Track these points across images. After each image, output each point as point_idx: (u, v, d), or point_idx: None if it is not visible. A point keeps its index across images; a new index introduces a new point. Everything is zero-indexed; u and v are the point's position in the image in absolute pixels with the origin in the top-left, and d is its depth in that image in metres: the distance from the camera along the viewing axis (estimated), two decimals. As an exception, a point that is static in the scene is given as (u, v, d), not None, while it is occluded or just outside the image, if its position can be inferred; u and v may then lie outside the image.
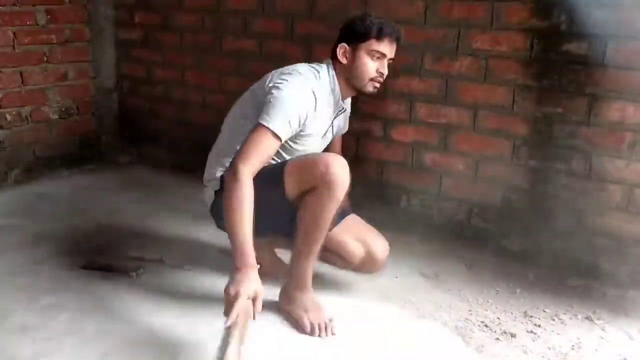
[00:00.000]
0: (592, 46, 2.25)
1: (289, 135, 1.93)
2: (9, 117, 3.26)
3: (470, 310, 2.16)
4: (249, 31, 3.14)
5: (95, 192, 3.23)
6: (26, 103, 3.33)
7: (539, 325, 2.07)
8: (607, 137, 2.29)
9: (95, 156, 3.72)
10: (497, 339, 1.99)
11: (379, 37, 2.01)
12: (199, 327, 1.99)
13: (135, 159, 3.76)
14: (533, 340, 1.98)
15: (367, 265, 2.17)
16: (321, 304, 2.04)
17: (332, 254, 2.15)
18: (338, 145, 2.32)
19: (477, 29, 2.48)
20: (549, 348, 1.94)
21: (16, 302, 2.11)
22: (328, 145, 2.20)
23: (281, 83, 1.95)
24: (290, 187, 1.91)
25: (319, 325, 1.96)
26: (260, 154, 1.86)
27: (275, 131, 1.87)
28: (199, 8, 3.30)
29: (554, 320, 2.11)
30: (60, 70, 3.47)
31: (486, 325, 2.06)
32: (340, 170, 1.87)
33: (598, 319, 2.12)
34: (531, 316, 2.12)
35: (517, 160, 2.50)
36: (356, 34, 2.03)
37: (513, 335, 2.00)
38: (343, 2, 2.79)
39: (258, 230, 1.81)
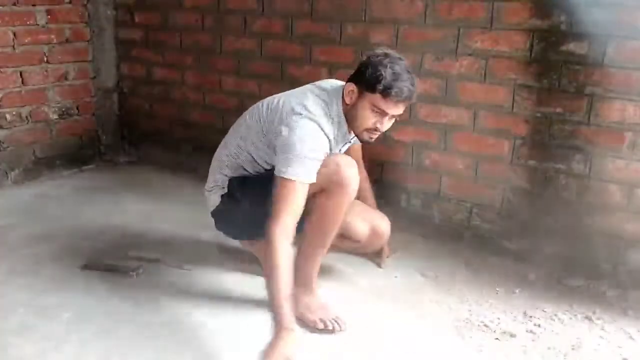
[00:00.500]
0: (592, 46, 2.25)
1: (315, 176, 1.87)
2: (9, 117, 3.26)
3: (470, 310, 2.16)
4: (249, 31, 3.14)
5: (95, 192, 3.23)
6: (26, 103, 3.33)
7: (539, 325, 2.07)
8: (607, 137, 2.29)
9: (95, 156, 3.72)
10: (497, 338, 1.99)
11: (385, 96, 1.86)
12: (199, 327, 1.99)
13: (135, 159, 3.76)
14: (533, 340, 1.98)
15: (373, 241, 2.23)
16: (326, 303, 2.05)
17: (339, 238, 2.08)
18: (358, 153, 2.30)
19: (477, 29, 2.48)
20: (549, 348, 1.94)
21: (16, 302, 2.11)
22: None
23: (294, 129, 1.87)
24: None
25: (329, 322, 1.97)
26: (292, 207, 1.80)
27: (301, 180, 1.82)
28: (199, 8, 3.30)
29: (553, 320, 2.11)
30: (60, 70, 3.47)
31: (486, 325, 2.06)
32: (350, 170, 1.88)
33: (598, 319, 2.12)
34: (531, 316, 2.12)
35: (517, 160, 2.50)
36: (365, 80, 1.89)
37: (513, 335, 2.00)
38: (343, 2, 2.79)
39: (260, 234, 1.82)
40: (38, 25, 3.30)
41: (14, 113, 3.28)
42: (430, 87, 2.64)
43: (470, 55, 2.52)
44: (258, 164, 2.06)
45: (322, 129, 1.90)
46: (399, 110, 1.91)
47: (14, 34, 3.20)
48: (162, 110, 3.63)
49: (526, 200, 2.51)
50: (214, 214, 2.20)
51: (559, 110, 2.37)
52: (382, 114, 1.91)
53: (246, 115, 2.13)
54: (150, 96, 3.65)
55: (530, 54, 2.39)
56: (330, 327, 1.97)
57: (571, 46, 2.29)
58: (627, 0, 2.15)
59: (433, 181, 2.72)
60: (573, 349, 1.94)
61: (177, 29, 3.42)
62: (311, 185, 1.86)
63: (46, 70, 3.39)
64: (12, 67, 3.23)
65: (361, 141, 2.05)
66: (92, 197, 3.16)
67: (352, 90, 1.93)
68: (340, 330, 1.98)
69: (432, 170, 2.71)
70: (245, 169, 2.09)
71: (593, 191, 2.34)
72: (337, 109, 1.97)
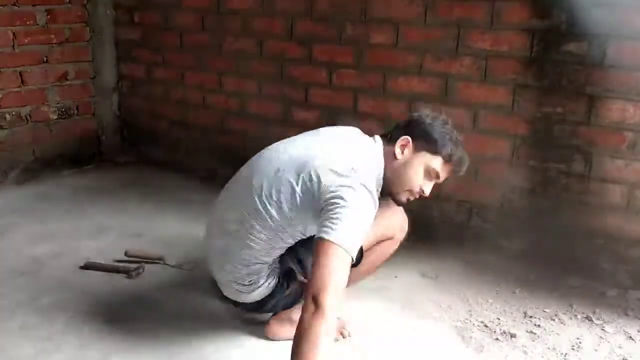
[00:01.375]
0: (592, 46, 2.25)
1: None
2: (8, 117, 3.26)
3: (470, 311, 2.16)
4: (248, 31, 3.14)
5: (95, 192, 3.23)
6: (26, 103, 3.33)
7: (539, 325, 2.07)
8: (607, 137, 2.29)
9: (95, 156, 3.72)
10: (497, 339, 1.99)
11: (448, 160, 1.78)
12: (199, 327, 1.99)
13: (135, 159, 3.76)
14: (533, 340, 1.98)
15: (403, 229, 2.00)
16: None
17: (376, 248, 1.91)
18: None
19: (477, 29, 2.48)
20: (549, 348, 1.94)
21: (16, 302, 2.11)
22: None
23: (353, 199, 1.60)
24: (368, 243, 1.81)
25: (339, 332, 1.94)
26: (344, 282, 1.55)
27: (352, 257, 1.57)
28: (199, 8, 3.30)
29: (553, 320, 2.11)
30: (60, 70, 3.47)
31: (486, 325, 2.06)
32: (406, 223, 1.96)
33: (598, 319, 2.12)
34: (531, 316, 2.12)
35: (517, 160, 2.50)
36: (429, 139, 1.75)
37: (513, 335, 2.00)
38: (343, 2, 2.79)
39: None
40: (38, 25, 3.30)
41: (13, 113, 3.28)
42: (430, 87, 2.63)
43: (470, 55, 2.51)
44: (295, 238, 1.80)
45: (374, 197, 1.67)
46: (445, 177, 1.83)
47: (14, 34, 3.20)
48: (162, 110, 3.63)
49: (526, 200, 2.51)
50: (257, 305, 1.87)
51: (559, 110, 2.37)
52: (435, 177, 1.80)
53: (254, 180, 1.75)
54: (150, 96, 3.65)
55: (530, 54, 2.38)
56: (341, 337, 1.95)
57: (571, 46, 2.29)
58: (627, 0, 2.15)
59: (433, 181, 2.71)
60: (573, 349, 1.94)
61: (177, 29, 3.42)
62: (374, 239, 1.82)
63: (46, 70, 3.39)
64: (12, 67, 3.23)
65: (395, 201, 1.85)
66: (92, 197, 3.16)
67: (407, 145, 1.77)
68: (349, 336, 1.96)
69: (432, 170, 2.71)
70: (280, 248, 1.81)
71: (593, 191, 2.34)
72: (382, 173, 1.77)
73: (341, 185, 1.61)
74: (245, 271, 1.79)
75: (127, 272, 2.31)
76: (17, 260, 2.41)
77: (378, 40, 2.72)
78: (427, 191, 1.81)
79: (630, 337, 2.02)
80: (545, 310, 2.17)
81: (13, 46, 3.21)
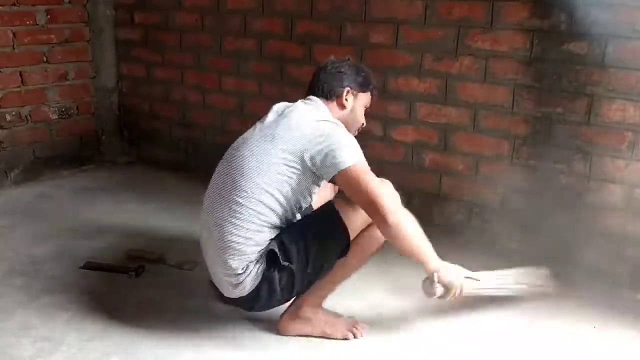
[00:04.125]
0: (592, 46, 2.25)
1: None
2: (8, 117, 3.26)
3: (470, 310, 2.15)
4: (248, 31, 3.14)
5: (95, 192, 3.23)
6: (26, 103, 3.33)
7: (539, 325, 2.07)
8: (607, 137, 2.29)
9: (95, 156, 3.72)
10: (497, 338, 1.99)
11: (373, 93, 2.07)
12: (199, 327, 1.99)
13: (135, 159, 3.76)
14: (533, 340, 1.98)
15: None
16: (337, 313, 2.02)
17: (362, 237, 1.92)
18: None
19: (477, 29, 2.48)
20: (549, 348, 1.94)
21: (16, 302, 2.11)
22: None
23: (334, 130, 1.82)
24: (354, 232, 1.84)
25: (350, 331, 1.95)
26: (379, 183, 1.75)
27: (364, 163, 1.79)
28: (199, 8, 3.30)
29: (554, 320, 2.11)
30: (60, 70, 3.47)
31: (485, 325, 2.06)
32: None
33: (598, 319, 2.12)
34: (532, 316, 2.12)
35: (517, 160, 2.50)
36: (361, 83, 2.00)
37: (513, 335, 2.00)
38: (343, 2, 2.79)
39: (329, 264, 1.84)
40: (38, 25, 3.30)
41: (13, 113, 3.28)
42: (430, 87, 2.64)
43: (470, 55, 2.52)
44: (301, 205, 1.88)
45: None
46: None
47: (14, 34, 3.20)
48: (162, 110, 3.63)
49: (526, 200, 2.51)
50: (252, 297, 1.86)
51: (559, 110, 2.37)
52: (367, 109, 2.08)
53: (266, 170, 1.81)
54: (150, 96, 3.65)
55: (530, 54, 2.39)
56: (359, 335, 1.96)
57: (571, 46, 2.29)
58: (627, 0, 2.15)
59: (433, 181, 2.72)
60: (572, 350, 1.94)
61: (177, 29, 3.42)
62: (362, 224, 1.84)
63: (46, 70, 3.39)
64: (12, 67, 3.23)
65: None
66: (92, 197, 3.16)
67: (350, 93, 1.98)
68: (362, 335, 1.97)
69: (432, 170, 2.71)
70: (283, 221, 1.85)
71: (593, 191, 2.34)
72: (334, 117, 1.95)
73: (319, 135, 1.79)
74: (237, 260, 1.79)
75: (127, 272, 2.30)
76: (17, 260, 2.41)
77: (378, 40, 2.72)
78: (365, 122, 2.09)
79: (631, 337, 2.02)
80: (545, 310, 2.16)
81: (13, 46, 3.21)
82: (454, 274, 1.88)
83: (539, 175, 2.46)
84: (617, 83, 2.23)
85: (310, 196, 1.89)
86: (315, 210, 1.95)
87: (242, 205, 1.78)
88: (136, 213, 2.94)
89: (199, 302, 2.14)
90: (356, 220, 1.82)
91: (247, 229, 1.78)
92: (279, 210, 1.81)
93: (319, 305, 1.96)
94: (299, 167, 1.79)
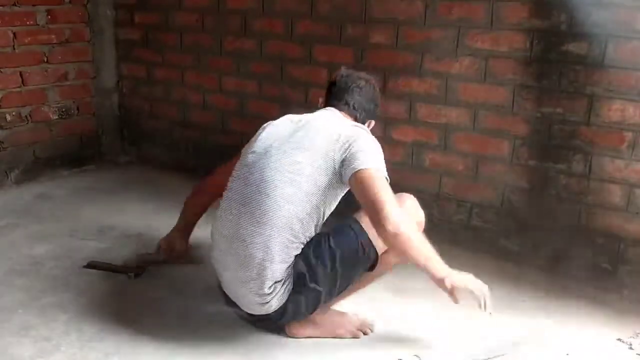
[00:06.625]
0: (592, 46, 2.25)
1: None
2: (9, 117, 3.26)
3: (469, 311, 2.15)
4: (249, 31, 3.14)
5: (95, 192, 3.23)
6: (26, 103, 3.33)
7: (539, 325, 2.07)
8: (607, 137, 2.29)
9: (95, 156, 3.72)
10: (497, 338, 1.99)
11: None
12: (199, 327, 1.99)
13: (135, 159, 3.77)
14: (533, 340, 1.98)
15: (417, 215, 1.99)
16: (344, 312, 2.02)
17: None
18: None
19: (477, 29, 2.48)
20: (548, 348, 1.94)
21: (16, 302, 2.11)
22: None
23: (357, 135, 1.83)
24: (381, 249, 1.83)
25: (359, 330, 1.97)
26: (391, 193, 1.72)
27: (385, 176, 1.77)
28: (199, 8, 3.30)
29: (553, 320, 2.11)
30: (60, 70, 3.47)
31: (484, 325, 2.06)
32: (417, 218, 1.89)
33: (598, 319, 2.12)
34: (531, 316, 2.12)
35: (517, 160, 2.50)
36: (377, 115, 2.09)
37: (513, 335, 2.00)
38: (343, 2, 2.79)
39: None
40: (38, 25, 3.30)
41: (14, 113, 3.28)
42: (430, 87, 2.64)
43: (470, 55, 2.52)
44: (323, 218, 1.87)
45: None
46: None
47: (14, 34, 3.20)
48: (162, 110, 3.63)
49: (526, 200, 2.51)
50: (277, 315, 1.83)
51: (559, 110, 2.37)
52: None
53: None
54: (150, 96, 3.65)
55: (530, 54, 2.39)
56: (369, 331, 1.98)
57: (571, 46, 2.29)
58: (627, 0, 2.15)
59: (433, 181, 2.72)
60: (570, 352, 1.94)
61: (177, 29, 3.42)
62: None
63: (46, 70, 3.39)
64: (12, 67, 3.23)
65: None
66: (92, 197, 3.16)
67: (372, 125, 2.07)
68: (372, 331, 1.99)
69: (432, 170, 2.71)
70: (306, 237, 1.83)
71: (593, 191, 2.34)
72: None
73: (347, 136, 1.81)
74: (264, 279, 1.74)
75: (127, 272, 2.30)
76: (17, 260, 2.41)
77: (378, 40, 2.72)
78: None
79: (630, 337, 2.02)
80: (545, 310, 2.17)
81: (13, 46, 3.21)
82: (465, 278, 1.75)
83: (539, 175, 2.46)
84: (617, 83, 2.23)
85: (335, 203, 1.86)
86: (339, 224, 1.86)
87: (273, 227, 1.74)
88: (136, 213, 2.94)
89: (200, 302, 2.14)
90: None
91: (276, 251, 1.74)
92: (310, 227, 1.79)
93: (327, 309, 1.96)
94: (329, 172, 1.78)
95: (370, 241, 1.80)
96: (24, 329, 1.95)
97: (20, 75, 3.27)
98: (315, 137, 1.82)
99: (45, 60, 3.38)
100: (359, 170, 1.73)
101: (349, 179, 1.75)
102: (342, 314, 2.01)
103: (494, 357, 1.87)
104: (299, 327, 1.93)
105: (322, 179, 1.77)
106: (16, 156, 3.32)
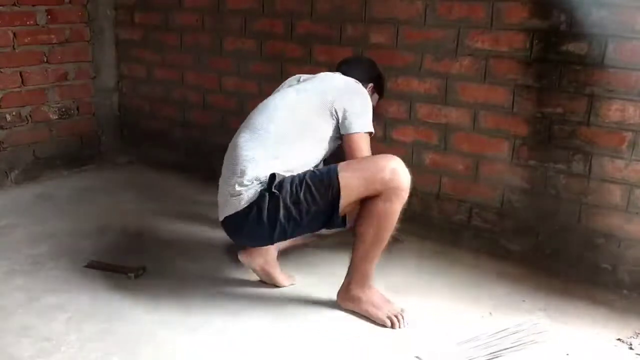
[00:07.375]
0: (592, 46, 2.25)
1: None
2: (9, 117, 3.26)
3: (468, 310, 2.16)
4: (249, 31, 3.14)
5: (95, 192, 3.23)
6: (26, 103, 3.33)
7: (539, 325, 2.07)
8: (607, 137, 2.29)
9: (95, 156, 3.72)
10: (497, 338, 1.99)
11: (380, 101, 2.45)
12: (199, 327, 1.99)
13: (135, 159, 3.76)
14: (533, 339, 1.98)
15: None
16: (388, 298, 2.08)
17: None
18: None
19: (477, 29, 2.48)
20: (547, 348, 1.94)
21: (16, 302, 2.11)
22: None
23: (356, 92, 2.18)
24: (349, 195, 1.93)
25: (396, 317, 2.01)
26: (368, 152, 2.12)
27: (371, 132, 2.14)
28: (199, 8, 3.30)
29: (553, 320, 2.11)
30: (60, 70, 3.47)
31: (484, 325, 2.06)
32: (406, 174, 1.96)
33: (597, 320, 2.12)
34: (531, 316, 2.12)
35: (517, 160, 2.50)
36: (382, 87, 2.44)
37: (513, 335, 2.00)
38: (343, 2, 2.79)
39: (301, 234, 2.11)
40: (38, 25, 3.30)
41: (14, 113, 3.28)
42: (430, 87, 2.64)
43: (470, 55, 2.52)
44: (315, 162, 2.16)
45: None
46: None
47: (14, 34, 3.20)
48: (162, 110, 3.63)
49: (526, 200, 2.51)
50: (243, 215, 1.98)
51: (559, 110, 2.37)
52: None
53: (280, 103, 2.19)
54: (150, 96, 3.65)
55: (530, 54, 2.39)
56: (398, 324, 2.01)
57: (571, 46, 2.29)
58: (627, 1, 2.15)
59: (433, 181, 2.72)
60: (569, 352, 1.94)
61: (177, 29, 3.42)
62: (365, 191, 1.93)
63: (46, 70, 3.39)
64: (12, 67, 3.23)
65: None
66: (92, 197, 3.16)
67: (372, 89, 2.36)
68: (406, 325, 2.01)
69: (432, 170, 2.71)
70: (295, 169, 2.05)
71: (593, 191, 2.35)
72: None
73: (347, 91, 2.16)
74: (250, 174, 1.98)
75: (127, 272, 2.30)
76: (17, 260, 2.41)
77: (378, 40, 2.72)
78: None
79: (630, 337, 2.02)
80: (545, 310, 2.17)
81: (13, 46, 3.21)
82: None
83: (539, 175, 2.46)
84: (617, 83, 2.23)
85: (326, 144, 2.13)
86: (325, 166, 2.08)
87: (269, 133, 2.10)
88: (136, 213, 2.94)
89: (200, 303, 2.14)
90: (357, 188, 1.94)
91: (261, 156, 2.02)
92: (297, 154, 2.06)
93: (366, 285, 2.05)
94: (325, 111, 2.10)
95: (340, 186, 1.92)
96: (24, 329, 1.95)
97: (20, 75, 3.27)
98: (317, 83, 2.20)
99: (45, 60, 3.38)
100: (350, 133, 2.09)
101: (342, 136, 2.11)
102: (386, 299, 2.07)
103: (494, 357, 1.87)
104: (342, 299, 2.08)
105: (318, 115, 2.10)
106: (16, 156, 3.32)
